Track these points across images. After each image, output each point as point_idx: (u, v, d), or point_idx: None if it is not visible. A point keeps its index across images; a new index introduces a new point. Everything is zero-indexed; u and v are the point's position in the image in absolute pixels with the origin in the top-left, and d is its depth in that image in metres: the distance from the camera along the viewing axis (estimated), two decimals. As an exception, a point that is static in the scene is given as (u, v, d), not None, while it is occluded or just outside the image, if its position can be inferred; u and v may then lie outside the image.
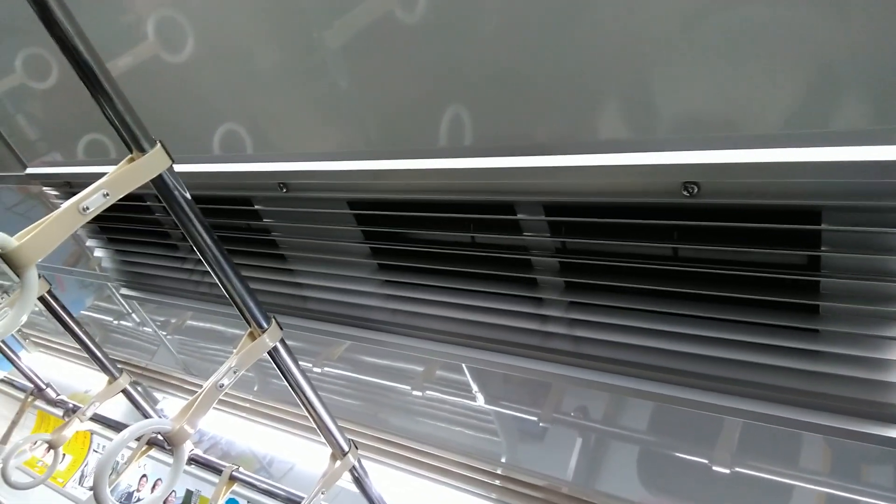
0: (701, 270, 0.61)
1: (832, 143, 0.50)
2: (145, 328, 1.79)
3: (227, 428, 1.90)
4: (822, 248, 0.55)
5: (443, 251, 0.82)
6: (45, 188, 1.29)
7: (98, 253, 1.39)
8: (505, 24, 0.58)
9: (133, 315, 1.79)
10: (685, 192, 0.56)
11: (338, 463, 0.94)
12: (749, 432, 0.81)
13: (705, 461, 0.91)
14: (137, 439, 1.42)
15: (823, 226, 0.53)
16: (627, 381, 0.73)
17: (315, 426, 0.90)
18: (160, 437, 0.74)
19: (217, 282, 0.75)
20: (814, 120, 0.50)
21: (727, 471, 0.89)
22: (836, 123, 0.49)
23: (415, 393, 1.26)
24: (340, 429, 0.92)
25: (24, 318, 0.56)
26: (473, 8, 0.59)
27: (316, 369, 1.38)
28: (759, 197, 0.54)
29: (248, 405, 1.82)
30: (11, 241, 0.54)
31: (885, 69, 0.45)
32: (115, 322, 1.91)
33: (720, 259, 0.62)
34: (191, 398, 0.73)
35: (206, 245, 0.72)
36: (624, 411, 0.94)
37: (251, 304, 0.78)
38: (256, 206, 0.95)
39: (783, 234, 0.56)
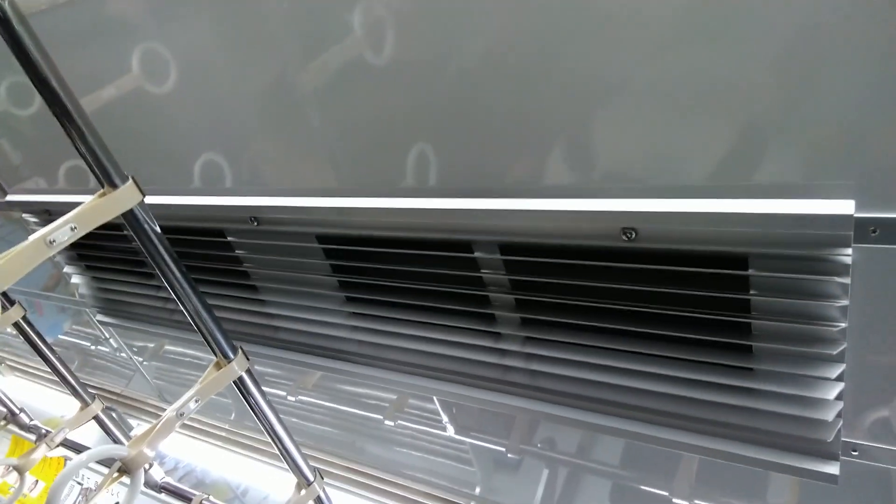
0: (642, 310, 0.65)
1: (756, 196, 0.53)
2: (121, 354, 1.80)
3: (202, 456, 1.89)
4: (751, 292, 0.58)
5: (407, 285, 0.84)
6: (24, 215, 1.31)
7: (75, 279, 1.41)
8: (468, 74, 0.62)
9: (110, 341, 1.80)
10: (624, 237, 0.59)
11: (302, 492, 0.95)
12: (707, 466, 0.83)
13: (665, 493, 0.93)
14: (109, 467, 1.41)
15: (750, 271, 0.57)
16: (580, 413, 0.75)
17: (279, 454, 0.91)
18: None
19: (185, 312, 0.77)
20: (740, 173, 0.54)
21: (686, 504, 0.91)
22: (761, 177, 0.53)
23: (387, 423, 1.28)
24: (305, 457, 0.93)
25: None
26: (439, 57, 0.63)
27: (290, 398, 1.39)
28: (691, 243, 0.57)
29: (224, 433, 1.82)
30: (-24, 273, 0.56)
31: (805, 128, 0.49)
32: (93, 347, 1.91)
33: (661, 299, 0.65)
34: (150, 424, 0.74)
35: (173, 276, 0.74)
36: (592, 444, 0.96)
37: (217, 335, 0.80)
38: (229, 238, 0.98)
39: (715, 278, 0.60)
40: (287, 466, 0.93)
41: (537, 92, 0.59)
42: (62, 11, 0.86)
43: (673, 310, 0.63)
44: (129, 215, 0.71)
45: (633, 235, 0.59)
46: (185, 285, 0.76)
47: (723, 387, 0.64)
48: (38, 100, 1.11)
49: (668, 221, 0.56)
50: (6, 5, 0.58)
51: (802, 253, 0.53)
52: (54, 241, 0.64)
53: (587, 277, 0.67)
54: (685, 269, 0.58)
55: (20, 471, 1.16)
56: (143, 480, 0.74)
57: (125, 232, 1.20)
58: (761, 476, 0.76)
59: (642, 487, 0.97)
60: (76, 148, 0.65)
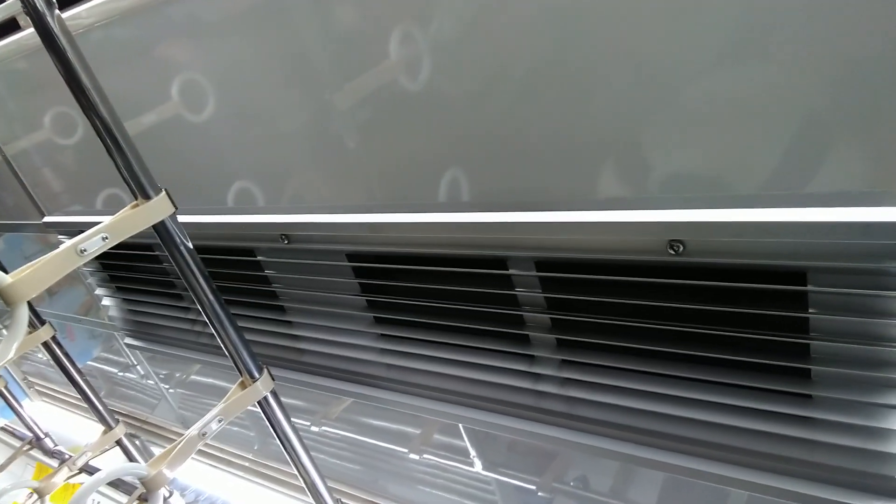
0: (688, 331, 0.61)
1: (814, 204, 0.50)
2: (148, 381, 1.79)
3: (224, 487, 1.86)
4: (810, 310, 0.54)
5: (437, 305, 0.82)
6: (60, 236, 1.32)
7: (106, 301, 1.41)
8: (502, 88, 0.61)
9: (138, 367, 1.80)
10: (671, 251, 0.56)
11: (325, 523, 0.91)
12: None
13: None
14: (130, 494, 1.39)
15: (809, 287, 0.53)
16: (618, 445, 0.71)
17: (302, 483, 0.88)
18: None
19: (212, 329, 0.75)
20: (797, 180, 0.50)
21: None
22: (819, 184, 0.50)
23: (412, 456, 1.23)
24: (329, 488, 0.90)
25: (13, 352, 0.57)
26: (471, 74, 0.62)
27: (313, 428, 1.36)
28: (744, 256, 0.54)
29: (247, 464, 1.79)
30: (5, 279, 0.55)
31: (865, 133, 0.46)
32: (120, 374, 1.91)
33: (709, 319, 0.61)
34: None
35: (203, 292, 0.73)
36: (629, 479, 0.90)
37: (244, 353, 0.78)
38: (259, 257, 0.97)
39: (770, 295, 0.56)
40: (309, 494, 0.90)
41: (575, 99, 0.57)
42: (102, 32, 0.88)
43: (722, 330, 0.59)
44: (161, 227, 0.70)
45: (681, 249, 0.55)
46: (214, 301, 0.74)
47: (778, 415, 0.60)
48: (80, 129, 1.13)
49: (719, 233, 0.53)
50: (53, 24, 0.59)
51: (869, 266, 0.49)
52: (85, 250, 0.64)
53: (629, 295, 0.63)
54: (737, 284, 0.55)
55: (41, 494, 1.14)
56: (161, 502, 0.71)
57: (156, 253, 1.20)
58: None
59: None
60: (114, 161, 0.65)
